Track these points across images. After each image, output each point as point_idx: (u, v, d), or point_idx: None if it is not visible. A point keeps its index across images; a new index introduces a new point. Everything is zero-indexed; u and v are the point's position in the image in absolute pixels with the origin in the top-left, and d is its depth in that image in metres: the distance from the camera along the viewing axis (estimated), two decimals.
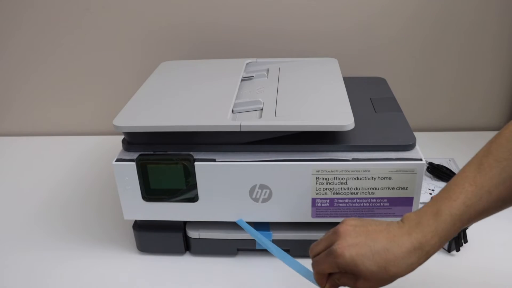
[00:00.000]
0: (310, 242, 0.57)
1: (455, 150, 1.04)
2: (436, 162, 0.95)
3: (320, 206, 0.69)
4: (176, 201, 0.70)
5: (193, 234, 0.74)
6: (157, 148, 0.68)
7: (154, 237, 0.76)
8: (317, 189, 0.67)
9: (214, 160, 0.67)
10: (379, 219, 0.69)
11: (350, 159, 0.66)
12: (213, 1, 1.05)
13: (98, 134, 1.20)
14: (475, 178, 0.50)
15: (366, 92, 0.84)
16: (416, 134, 0.69)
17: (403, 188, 0.66)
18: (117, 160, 0.68)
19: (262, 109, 0.71)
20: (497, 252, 0.75)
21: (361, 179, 0.66)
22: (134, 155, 0.68)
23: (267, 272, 0.73)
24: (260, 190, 0.68)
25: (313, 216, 0.70)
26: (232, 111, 0.71)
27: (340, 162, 0.66)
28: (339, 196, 0.68)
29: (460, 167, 0.54)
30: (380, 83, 0.90)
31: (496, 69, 1.10)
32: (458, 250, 0.75)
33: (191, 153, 0.67)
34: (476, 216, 0.50)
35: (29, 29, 1.10)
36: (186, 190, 0.69)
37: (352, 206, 0.68)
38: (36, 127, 1.22)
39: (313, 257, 0.55)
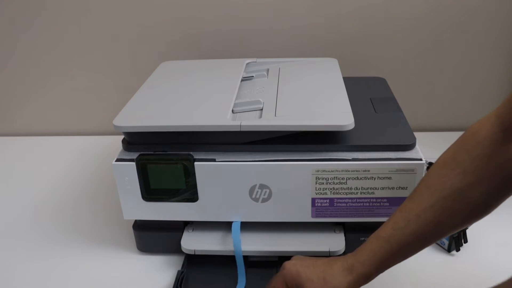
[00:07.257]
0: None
1: None
2: None
3: (320, 206, 0.69)
4: (176, 201, 0.70)
5: (188, 250, 0.72)
6: (157, 148, 0.68)
7: (154, 237, 0.76)
8: (317, 189, 0.67)
9: (214, 160, 0.67)
10: (379, 219, 0.69)
11: (350, 159, 0.66)
12: (213, 1, 1.05)
13: (98, 134, 1.19)
14: (405, 205, 0.54)
15: (366, 92, 0.84)
16: (416, 134, 0.69)
17: (403, 188, 0.66)
18: (117, 160, 0.68)
19: (262, 109, 0.71)
20: (497, 252, 0.75)
21: (361, 179, 0.66)
22: (134, 155, 0.68)
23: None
24: (260, 190, 0.68)
25: (313, 216, 0.70)
26: (232, 111, 0.71)
27: (340, 162, 0.66)
28: (339, 196, 0.68)
29: None
30: (380, 83, 0.90)
31: (496, 69, 1.10)
32: (458, 250, 0.75)
33: (191, 153, 0.67)
34: (407, 240, 0.53)
35: (29, 29, 1.10)
36: (186, 190, 0.69)
37: (352, 206, 0.68)
38: (36, 127, 1.22)
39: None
